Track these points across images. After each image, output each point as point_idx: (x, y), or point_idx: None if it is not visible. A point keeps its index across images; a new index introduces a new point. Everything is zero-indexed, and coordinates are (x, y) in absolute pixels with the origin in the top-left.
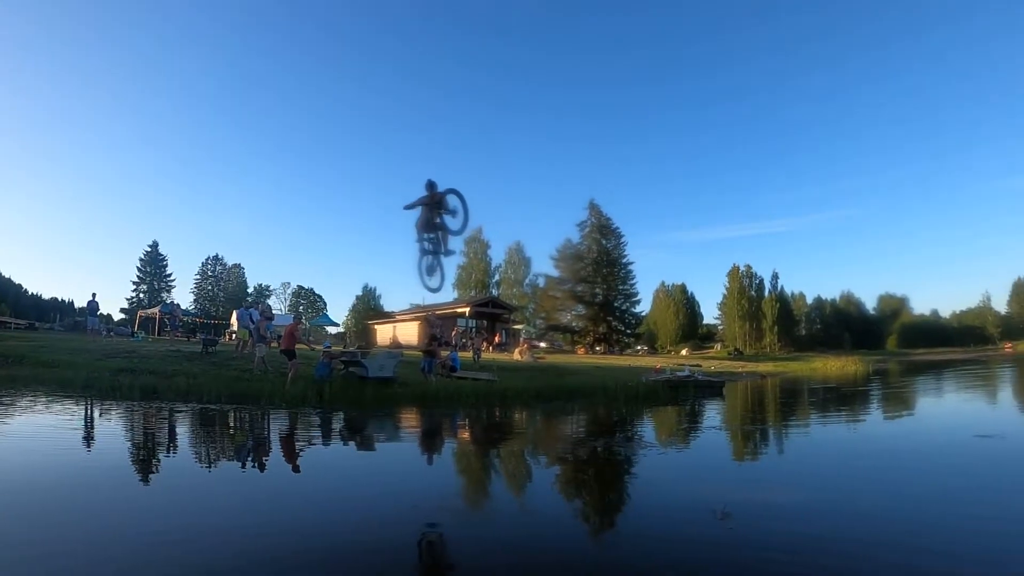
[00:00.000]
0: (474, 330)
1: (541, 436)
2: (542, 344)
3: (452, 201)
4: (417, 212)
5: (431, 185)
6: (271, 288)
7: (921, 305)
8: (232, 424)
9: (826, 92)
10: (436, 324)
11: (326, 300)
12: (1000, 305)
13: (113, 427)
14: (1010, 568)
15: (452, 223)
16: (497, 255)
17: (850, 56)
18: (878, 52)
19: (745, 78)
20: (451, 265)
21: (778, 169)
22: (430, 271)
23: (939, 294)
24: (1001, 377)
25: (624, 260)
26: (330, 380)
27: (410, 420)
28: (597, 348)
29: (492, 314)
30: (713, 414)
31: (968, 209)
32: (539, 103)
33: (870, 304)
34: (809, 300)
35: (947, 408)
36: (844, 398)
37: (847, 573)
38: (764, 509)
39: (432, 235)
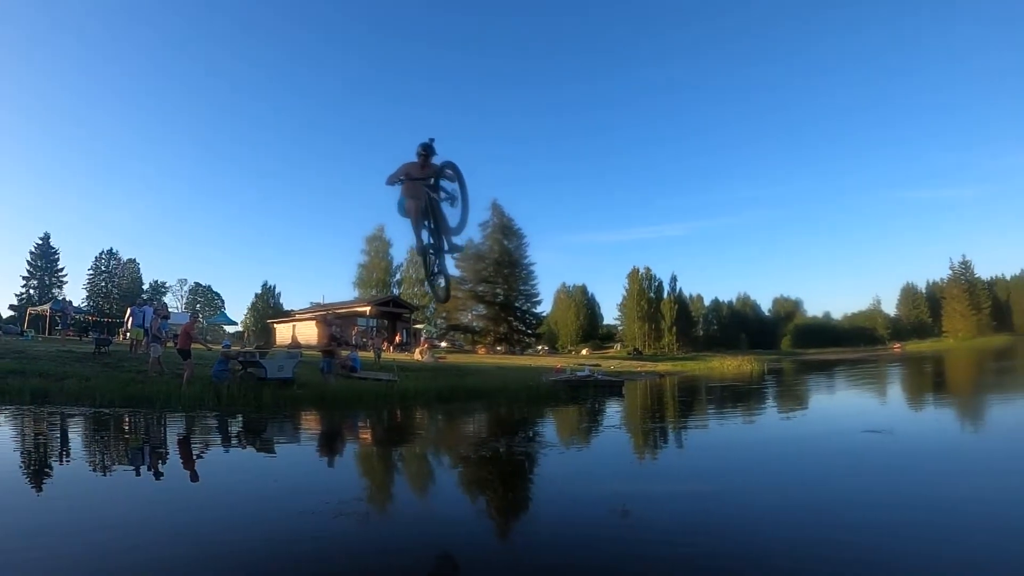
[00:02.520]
0: (375, 330)
1: (443, 437)
2: (443, 344)
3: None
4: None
5: (427, 149)
6: (167, 285)
7: (814, 307)
8: (127, 429)
9: (725, 100)
10: (334, 323)
11: (224, 298)
12: (889, 308)
13: (0, 434)
14: (884, 551)
15: (447, 213)
16: (399, 254)
17: (749, 65)
18: (775, 63)
19: (645, 84)
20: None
21: (678, 174)
22: (433, 275)
23: (832, 297)
24: (889, 376)
25: (526, 261)
26: (228, 382)
27: (310, 422)
28: (498, 348)
29: (393, 313)
30: (613, 413)
31: (861, 217)
32: (441, 100)
33: (765, 306)
34: (707, 302)
35: (838, 405)
36: (740, 396)
37: (744, 561)
38: (664, 503)
39: (431, 224)
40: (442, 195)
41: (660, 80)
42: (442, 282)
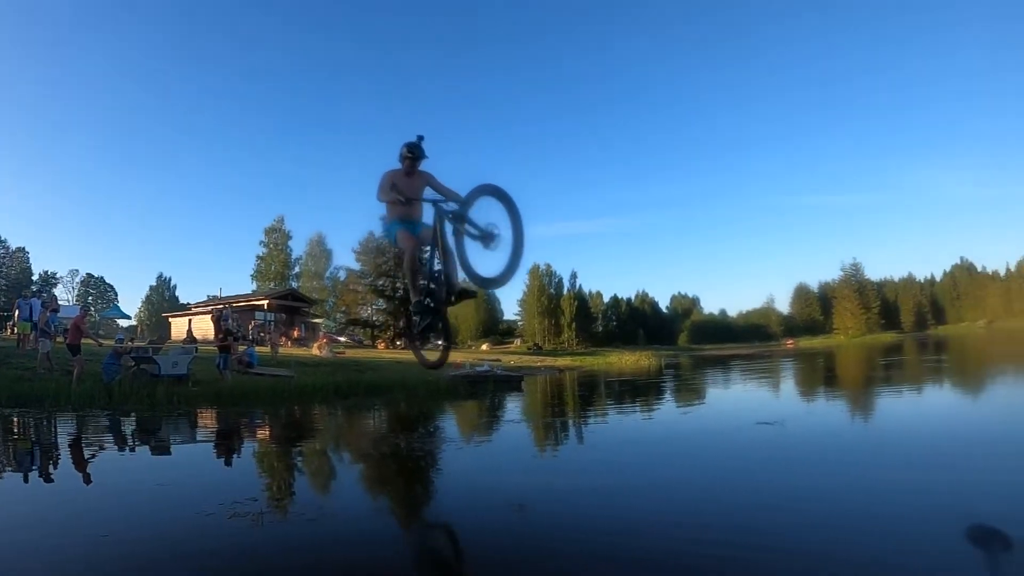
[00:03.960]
0: (272, 324)
1: (342, 434)
2: (342, 339)
3: (481, 211)
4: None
5: (414, 151)
6: (58, 276)
7: (711, 305)
8: (15, 431)
9: (628, 100)
10: (230, 317)
11: (118, 290)
12: (783, 306)
13: None
14: (769, 535)
15: (483, 261)
16: (298, 246)
17: (652, 63)
18: (680, 65)
19: (553, 81)
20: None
21: (579, 172)
22: (421, 332)
23: (728, 295)
24: (782, 370)
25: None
26: (119, 377)
27: (206, 421)
28: (398, 343)
29: (291, 307)
30: (513, 408)
31: (758, 219)
32: (343, 91)
33: (663, 303)
34: (606, 299)
35: (733, 398)
36: (638, 390)
37: (637, 551)
38: (562, 495)
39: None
40: (470, 230)
41: (567, 77)
42: (438, 354)
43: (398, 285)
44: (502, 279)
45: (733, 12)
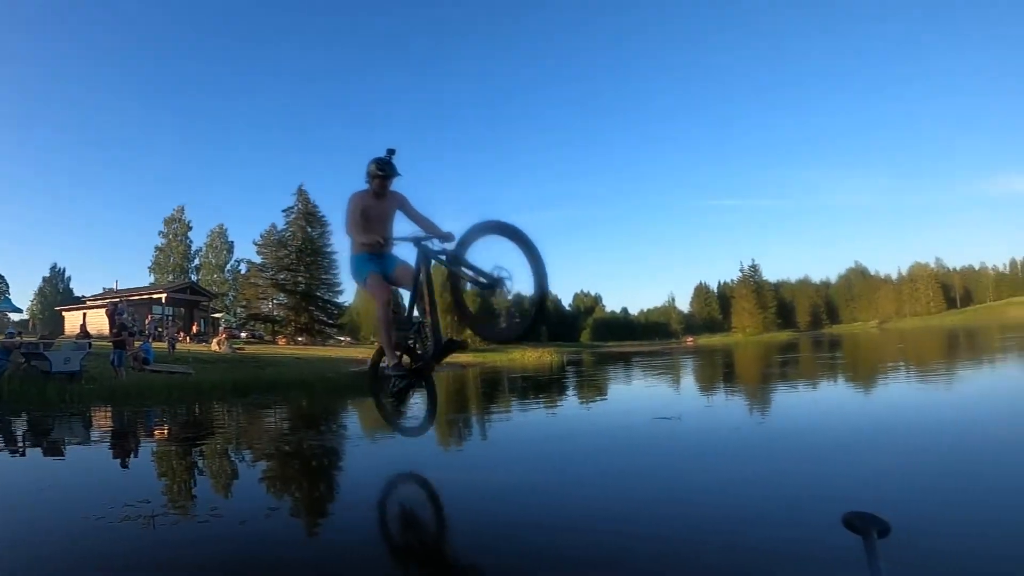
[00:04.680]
0: (170, 318)
1: (242, 432)
2: (242, 334)
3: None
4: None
5: (385, 168)
6: None
7: (613, 303)
8: None
9: (538, 98)
10: (125, 311)
11: (9, 282)
12: (683, 305)
13: None
14: (659, 526)
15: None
16: (198, 237)
17: (567, 64)
18: (574, 68)
19: (460, 77)
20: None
21: (488, 168)
22: (394, 395)
23: (630, 294)
24: (682, 367)
25: (328, 249)
26: (6, 372)
27: (100, 419)
28: (299, 339)
29: (190, 301)
30: (414, 403)
31: (660, 220)
32: (250, 84)
33: (566, 301)
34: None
35: (632, 393)
36: (540, 386)
37: (526, 545)
38: (467, 492)
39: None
40: (471, 275)
41: (474, 75)
42: (418, 426)
43: (299, 279)
44: (523, 333)
45: (633, 15)
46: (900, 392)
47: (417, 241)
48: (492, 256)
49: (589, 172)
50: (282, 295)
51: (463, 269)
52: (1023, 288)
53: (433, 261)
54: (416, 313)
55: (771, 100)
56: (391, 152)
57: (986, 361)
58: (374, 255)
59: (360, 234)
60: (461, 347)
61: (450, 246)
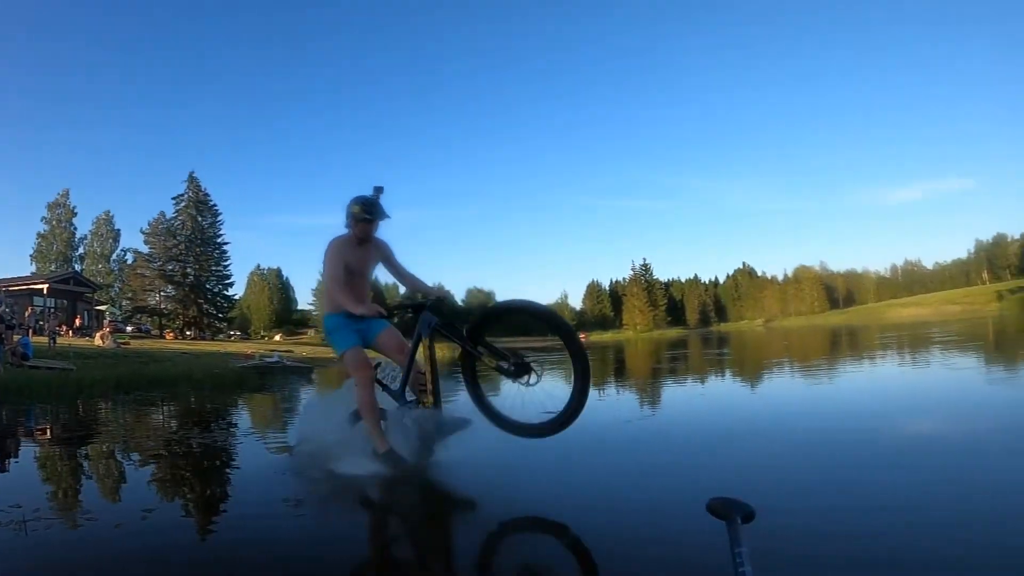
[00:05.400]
0: (52, 311)
1: (126, 431)
2: (128, 328)
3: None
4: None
5: (371, 210)
6: None
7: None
8: None
9: (426, 93)
10: (3, 302)
11: None
12: (576, 301)
13: None
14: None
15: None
16: (83, 224)
17: (454, 60)
18: (472, 65)
19: (345, 70)
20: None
21: (379, 161)
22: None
23: (522, 290)
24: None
25: (219, 239)
26: None
27: None
28: (187, 333)
29: (74, 293)
30: (303, 400)
31: (553, 218)
32: (134, 60)
33: (459, 296)
34: (402, 290)
35: (521, 389)
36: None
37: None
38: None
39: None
40: (486, 354)
41: (358, 69)
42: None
43: (188, 270)
44: (558, 429)
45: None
46: (781, 386)
47: (419, 308)
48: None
49: (482, 169)
50: (170, 287)
51: (480, 348)
52: (902, 291)
53: (429, 333)
54: (409, 393)
55: (663, 105)
56: (378, 190)
57: (865, 358)
58: (352, 321)
59: (348, 299)
60: (464, 425)
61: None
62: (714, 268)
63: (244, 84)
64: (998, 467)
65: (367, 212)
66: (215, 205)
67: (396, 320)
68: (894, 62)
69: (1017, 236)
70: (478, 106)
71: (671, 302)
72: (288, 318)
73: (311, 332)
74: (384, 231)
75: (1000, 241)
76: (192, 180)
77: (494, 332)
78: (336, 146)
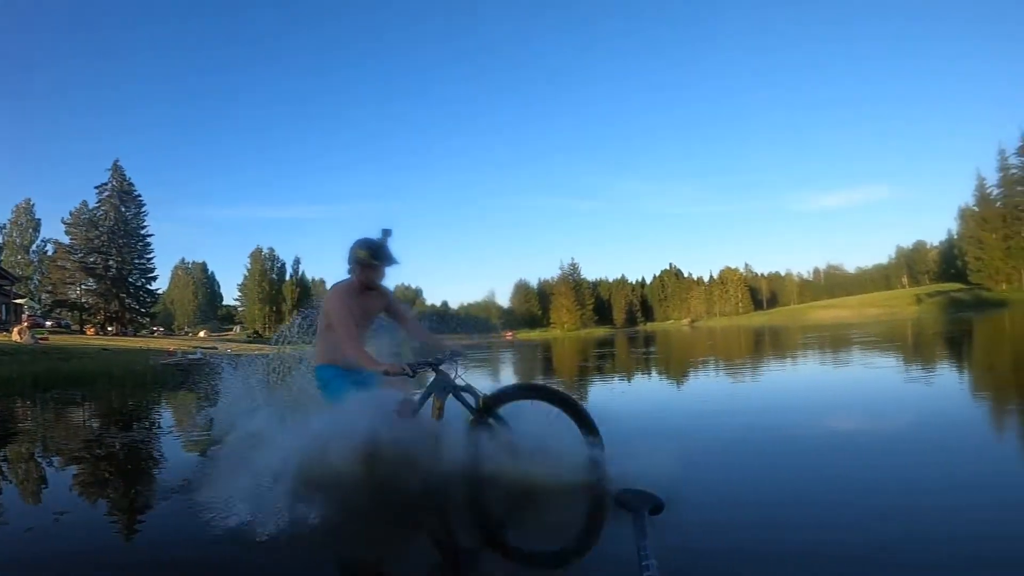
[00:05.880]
0: None
1: (46, 431)
2: (47, 323)
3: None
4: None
5: (379, 255)
6: None
7: (433, 296)
8: None
9: (363, 88)
10: None
11: None
12: (504, 300)
13: None
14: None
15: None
16: (2, 213)
17: (396, 57)
18: (406, 61)
19: (287, 61)
20: None
21: (310, 155)
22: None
23: (450, 287)
24: (501, 360)
25: (143, 231)
26: None
27: None
28: (109, 329)
29: None
30: (219, 397)
31: (482, 216)
32: (57, 44)
33: None
34: (328, 286)
35: None
36: None
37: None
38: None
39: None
40: (511, 441)
41: (298, 61)
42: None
43: (110, 263)
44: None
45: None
46: (704, 383)
47: (436, 367)
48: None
49: (411, 167)
50: (91, 280)
51: (491, 420)
52: (824, 294)
53: (443, 397)
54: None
55: (592, 104)
56: (386, 233)
57: (787, 357)
58: (351, 370)
59: (366, 357)
60: None
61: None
62: (641, 269)
63: (171, 65)
64: (911, 463)
65: (374, 257)
66: (139, 195)
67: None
68: (825, 72)
69: (936, 244)
70: (407, 102)
71: (598, 302)
72: (214, 314)
73: (237, 328)
74: (315, 226)
75: (920, 248)
76: (116, 169)
77: (507, 404)
78: (265, 136)
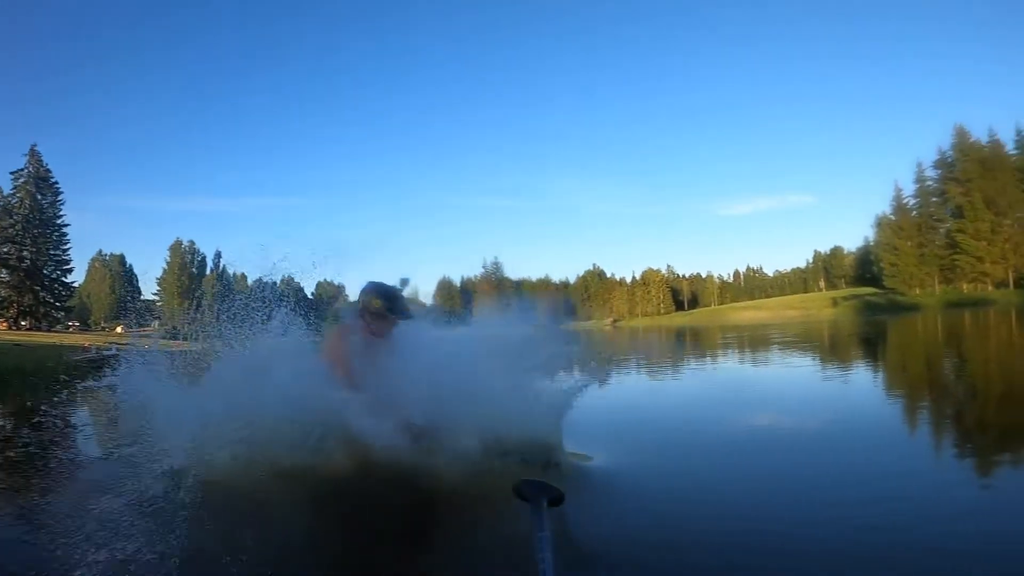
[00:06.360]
0: None
1: None
2: None
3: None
4: None
5: (392, 305)
6: None
7: (357, 293)
8: None
9: (284, 80)
10: None
11: None
12: (427, 298)
13: None
14: None
15: None
16: None
17: (333, 53)
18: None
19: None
20: None
21: (239, 146)
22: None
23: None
24: None
25: (59, 221)
26: None
27: None
28: (22, 323)
29: None
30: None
31: (408, 213)
32: None
33: (309, 289)
34: (251, 281)
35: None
36: None
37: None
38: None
39: None
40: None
41: (235, 48)
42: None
43: (24, 253)
44: None
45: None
46: (625, 381)
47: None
48: None
49: (329, 160)
50: (4, 271)
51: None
52: (743, 295)
53: None
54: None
55: (519, 104)
56: (404, 283)
57: (708, 355)
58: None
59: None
60: None
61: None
62: (564, 269)
63: (88, 42)
64: (824, 461)
65: (390, 309)
66: (57, 183)
67: None
68: (753, 78)
69: (853, 250)
70: (334, 99)
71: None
72: (132, 308)
73: (155, 324)
74: (234, 220)
75: (837, 253)
76: (34, 154)
77: None
78: (186, 123)
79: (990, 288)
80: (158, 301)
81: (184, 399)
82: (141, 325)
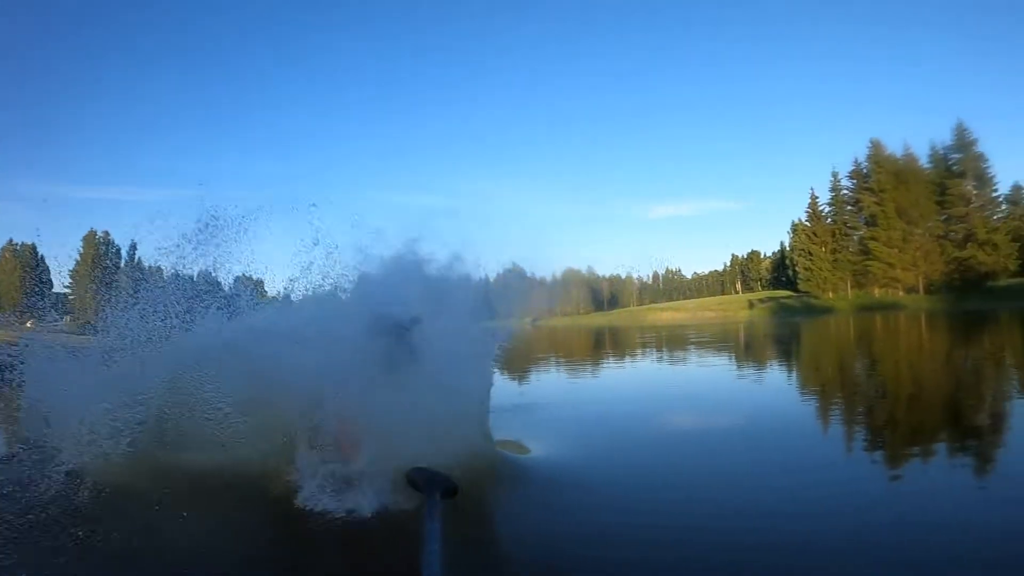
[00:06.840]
0: None
1: None
2: None
3: None
4: None
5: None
6: None
7: (274, 288)
8: None
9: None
10: None
11: None
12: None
13: None
14: None
15: None
16: None
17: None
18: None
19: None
20: None
21: (165, 134)
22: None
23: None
24: None
25: None
26: None
27: None
28: None
29: None
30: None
31: (339, 211)
32: None
33: (227, 285)
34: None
35: None
36: None
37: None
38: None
39: None
40: None
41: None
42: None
43: None
44: None
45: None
46: (545, 379)
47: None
48: None
49: (270, 154)
50: None
51: None
52: (661, 296)
53: None
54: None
55: (446, 104)
56: (415, 321)
57: (626, 354)
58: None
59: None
60: None
61: None
62: (484, 268)
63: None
64: (739, 454)
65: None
66: None
67: None
68: (681, 82)
69: (769, 253)
70: (265, 93)
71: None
72: (42, 302)
73: (67, 319)
74: (150, 210)
75: (754, 257)
76: None
77: None
78: (112, 101)
79: (901, 293)
80: (71, 294)
81: (84, 391)
82: (53, 319)
